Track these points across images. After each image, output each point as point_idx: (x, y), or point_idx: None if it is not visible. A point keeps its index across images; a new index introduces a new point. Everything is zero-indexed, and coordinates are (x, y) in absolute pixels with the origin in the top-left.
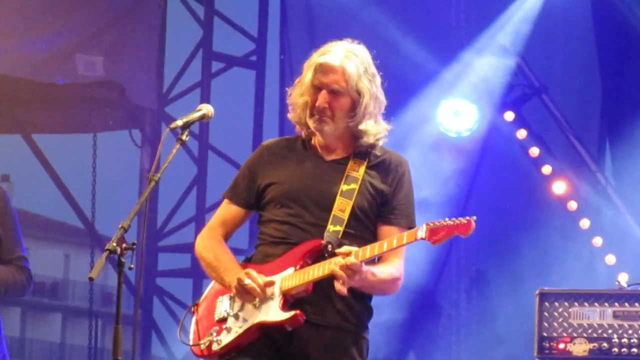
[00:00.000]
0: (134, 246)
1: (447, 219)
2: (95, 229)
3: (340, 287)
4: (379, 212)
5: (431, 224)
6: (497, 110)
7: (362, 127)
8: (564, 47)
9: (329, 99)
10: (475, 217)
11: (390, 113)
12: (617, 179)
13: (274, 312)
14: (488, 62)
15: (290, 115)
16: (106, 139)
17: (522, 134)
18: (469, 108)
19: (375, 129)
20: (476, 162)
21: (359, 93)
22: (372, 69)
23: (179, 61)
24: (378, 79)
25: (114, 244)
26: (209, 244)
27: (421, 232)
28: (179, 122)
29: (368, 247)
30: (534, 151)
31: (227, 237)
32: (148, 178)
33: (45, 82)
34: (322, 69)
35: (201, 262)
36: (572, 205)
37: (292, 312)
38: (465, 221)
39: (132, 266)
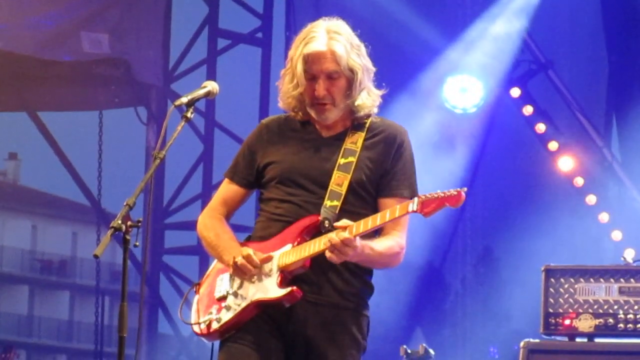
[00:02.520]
0: (139, 224)
1: (438, 191)
2: (102, 206)
3: (334, 258)
4: (379, 184)
5: (422, 197)
6: (503, 87)
7: (358, 102)
8: (570, 23)
9: (327, 86)
10: (465, 189)
11: (397, 90)
12: (624, 155)
13: (271, 289)
14: (494, 38)
15: (280, 105)
16: (112, 116)
17: (528, 110)
18: (475, 84)
19: (369, 100)
20: (482, 138)
21: (352, 71)
22: (355, 40)
23: (184, 38)
24: (363, 48)
25: (119, 222)
26: (210, 223)
27: (412, 205)
28: (184, 100)
29: (362, 222)
30: (540, 127)
31: (228, 216)
32: (153, 156)
33: (51, 59)
34: (312, 58)
35: (202, 242)
36: (579, 181)
37: (289, 289)
38: (455, 192)
39: (138, 244)
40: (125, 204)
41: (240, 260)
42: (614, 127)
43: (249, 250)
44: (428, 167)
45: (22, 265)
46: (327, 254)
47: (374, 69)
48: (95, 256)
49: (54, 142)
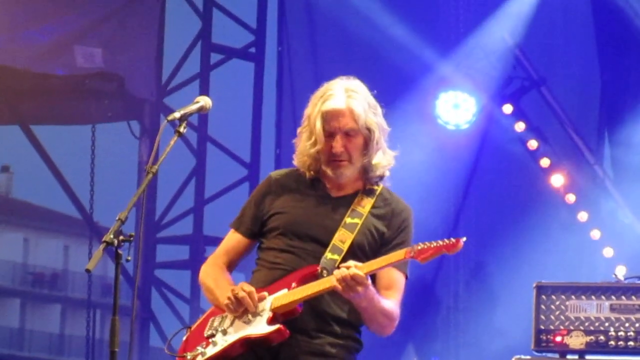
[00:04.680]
0: (132, 238)
1: (439, 240)
2: (94, 220)
3: (341, 292)
4: (378, 253)
5: (421, 245)
6: (496, 103)
7: (374, 161)
8: (563, 39)
9: (344, 142)
10: (464, 238)
11: (389, 105)
12: (616, 171)
13: (259, 326)
14: (487, 54)
15: (295, 162)
16: (105, 131)
17: (520, 126)
18: (468, 100)
19: (385, 160)
20: (475, 154)
21: (369, 130)
22: (372, 100)
23: (178, 53)
24: (379, 108)
25: (111, 236)
26: (211, 271)
27: (410, 252)
28: (177, 114)
29: (366, 264)
30: (533, 144)
31: (230, 265)
32: (146, 170)
33: (44, 73)
34: (331, 116)
35: (202, 288)
36: (571, 198)
37: (277, 326)
38: (454, 241)
39: (130, 258)
40: (117, 218)
41: (241, 293)
42: (606, 144)
43: (251, 287)
44: (420, 183)
45: (14, 278)
46: (336, 284)
47: (388, 129)
48: (88, 271)
49: (46, 155)
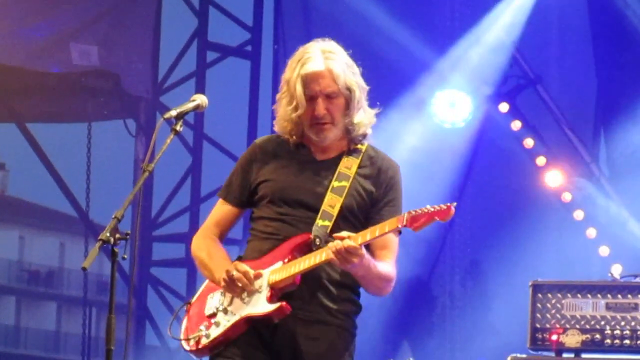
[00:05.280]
0: (128, 236)
1: (428, 206)
2: (90, 218)
3: (338, 264)
4: (369, 213)
5: (413, 212)
6: (492, 101)
7: (356, 120)
8: (559, 38)
9: (326, 105)
10: (455, 203)
11: (385, 104)
12: (611, 170)
13: (260, 305)
14: (483, 53)
15: (276, 128)
16: (101, 128)
17: (516, 125)
18: (464, 99)
19: (366, 118)
20: (471, 153)
21: (349, 89)
22: (349, 60)
23: (174, 51)
24: (356, 68)
25: (107, 234)
26: (203, 244)
27: (402, 220)
28: (173, 113)
29: (360, 234)
30: (529, 142)
31: (222, 236)
32: (142, 168)
33: (40, 70)
34: (311, 78)
35: (195, 262)
36: (566, 196)
37: (278, 304)
38: (445, 207)
39: (126, 256)
40: (113, 216)
41: (236, 273)
42: (602, 142)
43: (245, 267)
44: (416, 181)
45: (10, 275)
46: (332, 256)
47: (367, 88)
48: (84, 268)
49: (42, 152)
